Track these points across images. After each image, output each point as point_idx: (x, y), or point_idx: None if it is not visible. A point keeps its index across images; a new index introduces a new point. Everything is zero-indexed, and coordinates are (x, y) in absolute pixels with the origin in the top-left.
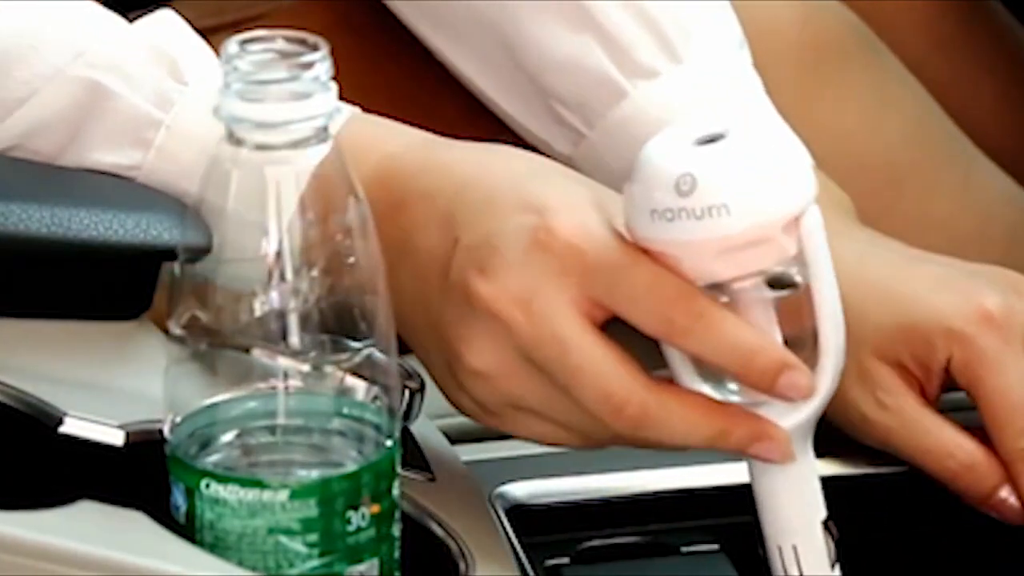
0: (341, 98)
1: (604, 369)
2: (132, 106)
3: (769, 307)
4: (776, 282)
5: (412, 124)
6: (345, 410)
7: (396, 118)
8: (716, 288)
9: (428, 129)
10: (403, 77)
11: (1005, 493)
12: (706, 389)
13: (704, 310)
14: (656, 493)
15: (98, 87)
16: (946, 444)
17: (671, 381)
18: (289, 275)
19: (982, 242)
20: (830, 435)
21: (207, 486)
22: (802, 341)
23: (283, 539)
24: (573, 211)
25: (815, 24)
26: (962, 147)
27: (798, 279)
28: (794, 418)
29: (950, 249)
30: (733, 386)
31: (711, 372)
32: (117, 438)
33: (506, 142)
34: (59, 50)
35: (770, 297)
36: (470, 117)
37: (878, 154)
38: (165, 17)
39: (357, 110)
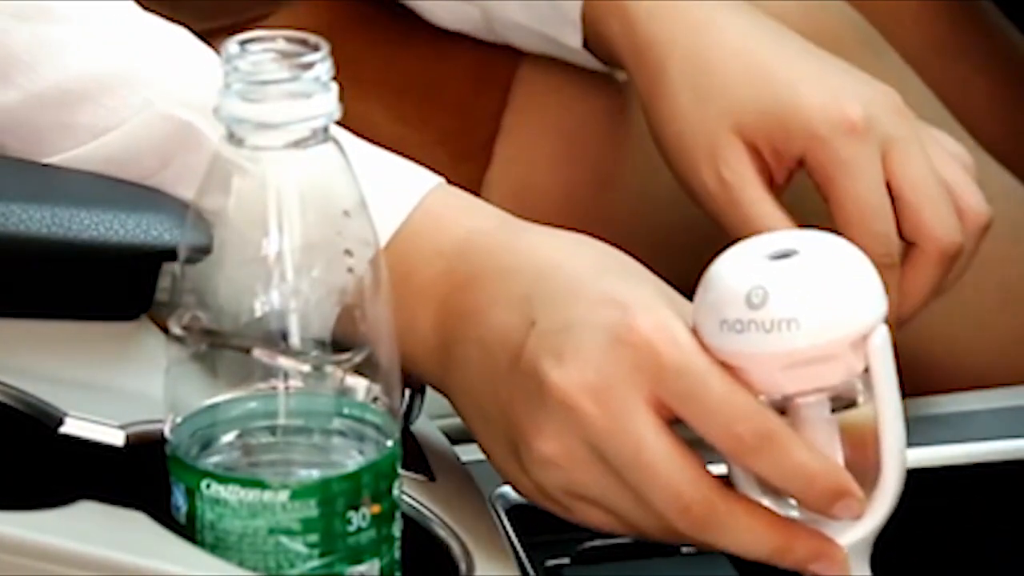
0: (341, 99)
1: (675, 469)
2: None
3: (831, 423)
4: (839, 398)
5: (410, 121)
6: (345, 410)
7: (394, 115)
8: (780, 400)
9: (428, 125)
10: (402, 73)
11: None
12: (766, 502)
13: (772, 433)
14: None
15: (189, 128)
16: (772, 228)
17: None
18: (289, 275)
19: (985, 237)
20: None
21: (208, 486)
22: (863, 457)
23: (284, 539)
24: (654, 311)
25: (816, 20)
26: (963, 142)
27: (861, 398)
28: (853, 535)
29: None
30: (793, 500)
31: (777, 493)
32: (117, 438)
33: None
34: (153, 85)
35: (832, 414)
36: (470, 114)
37: None
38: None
39: (442, 180)
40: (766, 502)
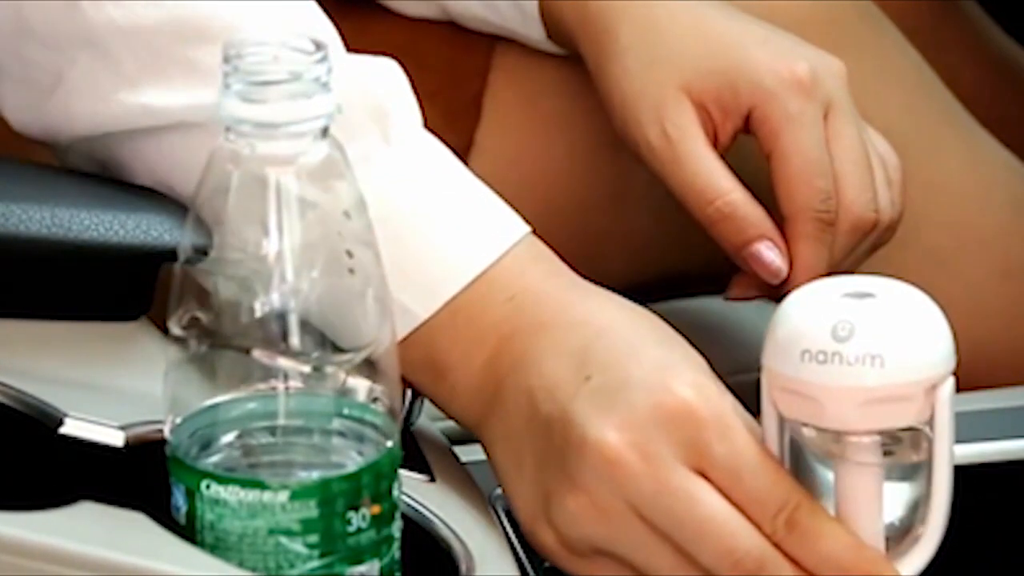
0: None
1: (731, 521)
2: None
3: (880, 467)
4: (890, 447)
5: None
6: (345, 411)
7: None
8: (833, 439)
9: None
10: (382, 38)
11: (764, 247)
12: None
13: (799, 516)
14: None
15: None
16: (715, 187)
17: None
18: (289, 276)
19: (986, 207)
20: None
21: (207, 487)
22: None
23: (283, 540)
24: (702, 385)
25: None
26: (962, 117)
27: (914, 456)
28: None
29: (955, 213)
30: None
31: None
32: (117, 439)
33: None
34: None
35: (883, 461)
36: (454, 72)
37: (880, 120)
38: (389, 67)
39: (529, 230)
40: None
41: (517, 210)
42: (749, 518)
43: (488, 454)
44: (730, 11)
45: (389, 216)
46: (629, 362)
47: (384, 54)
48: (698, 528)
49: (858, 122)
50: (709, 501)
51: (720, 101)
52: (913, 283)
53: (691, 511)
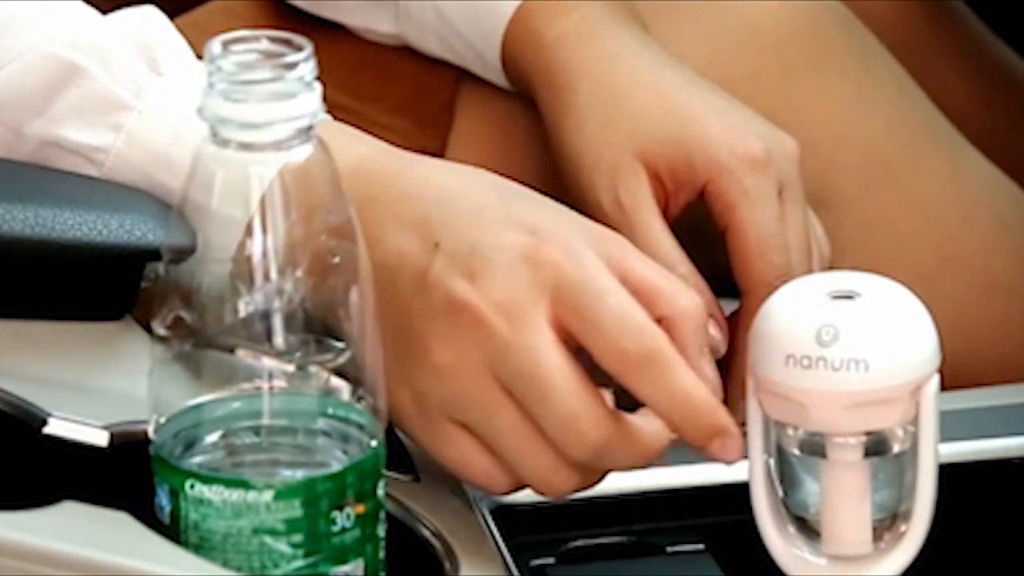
0: None
1: (573, 389)
2: (106, 88)
3: (864, 466)
4: (873, 446)
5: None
6: (330, 410)
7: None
8: (817, 439)
9: (385, 97)
10: (353, 51)
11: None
12: (795, 549)
13: (658, 353)
14: (641, 493)
15: (74, 67)
16: (663, 261)
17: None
18: (273, 275)
19: (968, 226)
20: None
21: (192, 487)
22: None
23: (268, 540)
24: (562, 235)
25: (800, 8)
26: (947, 133)
27: (897, 446)
28: (880, 572)
29: (935, 232)
30: (824, 552)
31: (805, 531)
32: (101, 439)
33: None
34: (39, 28)
35: (866, 460)
36: (426, 82)
37: (863, 137)
38: (148, 11)
39: (328, 117)
40: (795, 550)
41: None
42: (607, 364)
43: None
44: (691, 77)
45: (171, 144)
46: (477, 224)
47: (351, 68)
48: (540, 388)
49: (804, 205)
50: (554, 362)
51: (674, 172)
52: None
53: (535, 372)
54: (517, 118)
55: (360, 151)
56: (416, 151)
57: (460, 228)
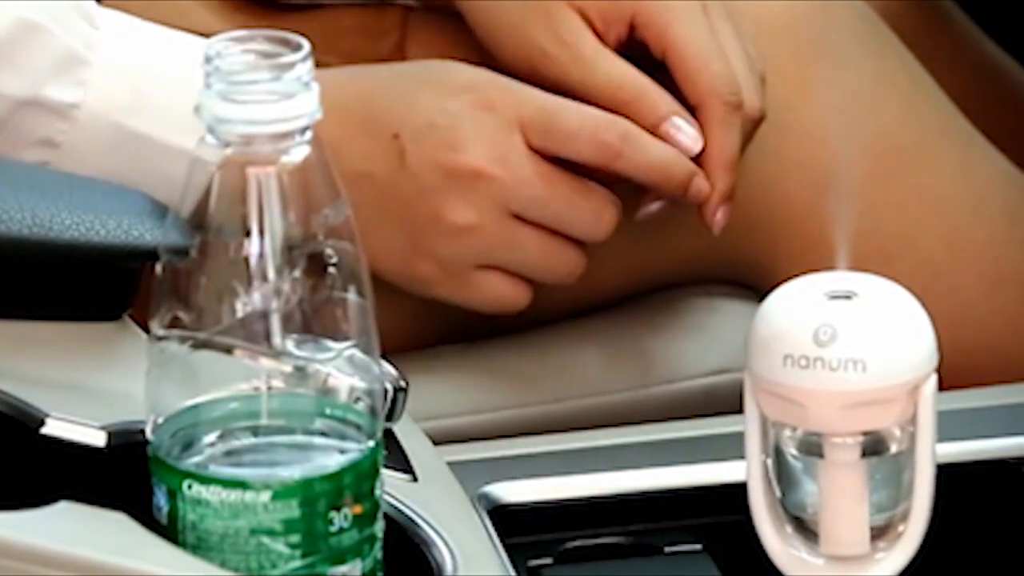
0: None
1: (579, 188)
2: (64, 44)
3: (861, 465)
4: (871, 446)
5: None
6: (327, 411)
7: None
8: (814, 439)
9: None
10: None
11: (680, 121)
12: (792, 550)
13: (631, 132)
14: (639, 493)
15: (30, 22)
16: (618, 76)
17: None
18: (271, 275)
19: (978, 219)
20: None
21: (189, 487)
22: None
23: (265, 540)
24: (493, 81)
25: (824, 13)
26: (959, 125)
27: (894, 446)
28: (880, 571)
29: (945, 224)
30: (822, 552)
31: (802, 532)
32: (99, 439)
33: None
34: None
35: (864, 460)
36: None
37: (875, 128)
38: None
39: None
40: (793, 550)
41: None
42: (591, 159)
43: None
44: None
45: (132, 92)
46: (417, 102)
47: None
48: (561, 202)
49: (729, 18)
50: (561, 178)
51: (601, 10)
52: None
53: (548, 191)
54: (468, 49)
55: None
56: None
57: (406, 114)
